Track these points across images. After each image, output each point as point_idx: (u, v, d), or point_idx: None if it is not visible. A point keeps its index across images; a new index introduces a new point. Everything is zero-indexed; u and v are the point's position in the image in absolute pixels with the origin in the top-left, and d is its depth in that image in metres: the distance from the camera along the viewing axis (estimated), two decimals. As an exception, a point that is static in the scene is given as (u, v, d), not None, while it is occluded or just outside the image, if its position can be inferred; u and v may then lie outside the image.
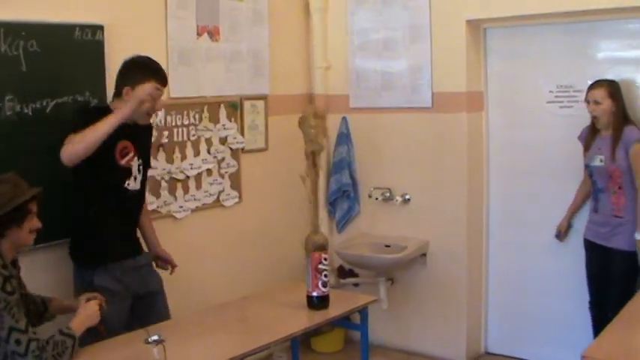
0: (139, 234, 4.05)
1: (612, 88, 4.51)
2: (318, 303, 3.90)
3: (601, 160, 4.53)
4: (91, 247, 3.70)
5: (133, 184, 3.75)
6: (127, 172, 3.71)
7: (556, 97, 5.01)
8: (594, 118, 4.55)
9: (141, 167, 3.79)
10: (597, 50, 4.88)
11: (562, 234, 5.01)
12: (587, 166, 4.67)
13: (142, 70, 3.65)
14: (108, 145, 3.48)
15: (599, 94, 4.49)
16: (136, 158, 3.73)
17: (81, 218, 3.73)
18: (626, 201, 4.48)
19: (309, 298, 3.91)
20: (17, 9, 3.70)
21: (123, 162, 3.66)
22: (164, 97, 4.15)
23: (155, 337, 3.29)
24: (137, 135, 3.74)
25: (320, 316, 3.88)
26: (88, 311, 3.25)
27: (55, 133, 3.68)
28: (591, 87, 4.56)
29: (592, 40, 4.87)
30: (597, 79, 4.59)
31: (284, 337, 3.63)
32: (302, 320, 3.85)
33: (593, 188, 4.66)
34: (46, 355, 2.90)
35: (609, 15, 4.63)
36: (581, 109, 4.74)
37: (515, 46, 5.19)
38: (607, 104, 4.47)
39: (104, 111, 3.55)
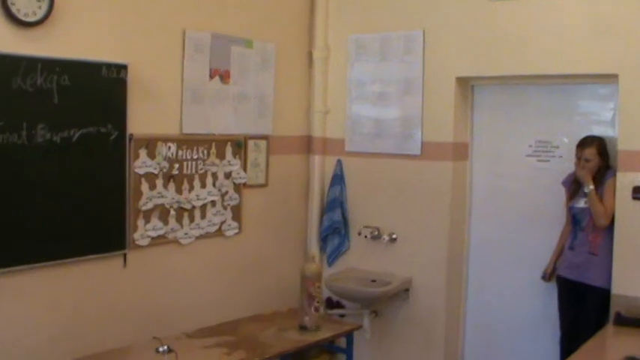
0: None
1: (601, 146, 4.79)
2: (310, 325, 4.30)
3: (585, 202, 4.78)
4: None
5: None
6: None
7: (534, 151, 5.38)
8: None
9: None
10: (573, 110, 5.25)
11: (548, 275, 5.17)
12: (571, 208, 4.92)
13: None
14: None
15: (591, 152, 4.76)
16: None
17: None
18: (602, 240, 4.73)
19: (302, 320, 4.30)
20: (53, 47, 4.13)
21: None
22: (177, 133, 4.53)
23: (166, 347, 3.70)
24: None
25: (311, 337, 4.29)
26: None
27: (78, 161, 4.16)
28: (582, 145, 4.81)
29: (569, 101, 5.25)
30: (581, 135, 4.90)
31: (277, 353, 4.02)
32: (294, 340, 4.24)
33: (574, 228, 4.90)
34: None
35: (583, 80, 5.03)
36: (556, 164, 5.18)
37: (500, 103, 5.56)
38: (596, 161, 4.76)
39: None
